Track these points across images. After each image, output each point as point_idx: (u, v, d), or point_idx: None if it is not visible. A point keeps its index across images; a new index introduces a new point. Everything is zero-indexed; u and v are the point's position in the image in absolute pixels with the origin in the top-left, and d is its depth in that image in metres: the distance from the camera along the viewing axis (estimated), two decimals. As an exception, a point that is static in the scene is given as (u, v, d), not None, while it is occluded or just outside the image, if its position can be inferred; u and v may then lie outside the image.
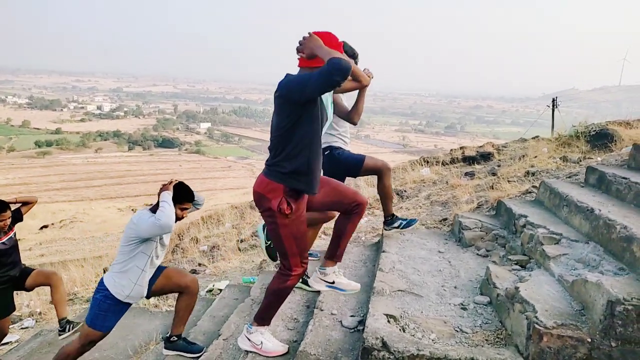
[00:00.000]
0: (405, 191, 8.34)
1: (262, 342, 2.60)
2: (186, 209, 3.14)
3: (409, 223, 3.91)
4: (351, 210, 2.66)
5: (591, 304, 2.21)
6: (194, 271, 6.56)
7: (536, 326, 2.14)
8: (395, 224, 3.88)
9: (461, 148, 10.02)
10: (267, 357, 2.55)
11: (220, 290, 4.89)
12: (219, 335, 3.07)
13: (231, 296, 4.03)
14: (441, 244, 3.82)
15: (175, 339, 3.25)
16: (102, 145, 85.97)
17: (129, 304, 3.16)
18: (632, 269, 2.39)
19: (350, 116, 3.37)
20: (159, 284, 3.22)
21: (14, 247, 3.91)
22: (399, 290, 2.91)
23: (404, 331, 2.45)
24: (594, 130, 7.74)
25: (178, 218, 3.08)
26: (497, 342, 2.38)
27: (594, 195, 3.36)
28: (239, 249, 6.90)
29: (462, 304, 2.76)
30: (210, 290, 5.33)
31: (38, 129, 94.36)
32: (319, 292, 3.17)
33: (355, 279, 3.36)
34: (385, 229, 3.87)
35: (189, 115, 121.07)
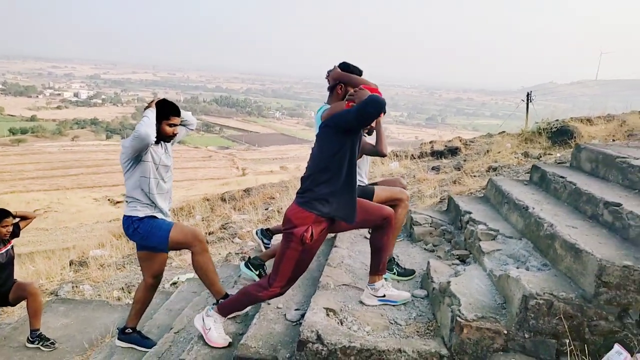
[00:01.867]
0: (373, 185, 8.44)
1: (210, 328, 2.69)
2: (174, 124, 3.07)
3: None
4: (380, 224, 2.76)
5: (511, 298, 2.37)
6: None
7: (458, 319, 2.29)
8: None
9: (430, 142, 10.22)
10: (209, 345, 2.65)
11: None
12: (171, 329, 3.16)
13: (190, 289, 4.12)
14: (393, 238, 3.95)
15: (130, 331, 3.32)
16: (79, 133, 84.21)
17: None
18: (554, 264, 2.56)
19: (378, 149, 3.38)
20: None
21: (10, 262, 3.80)
22: (343, 285, 3.04)
23: (341, 324, 2.58)
24: (555, 127, 7.98)
25: (168, 135, 3.06)
26: (427, 333, 2.53)
27: (534, 194, 3.53)
28: (207, 242, 6.97)
29: (400, 298, 2.89)
30: (174, 283, 5.40)
31: (12, 115, 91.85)
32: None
33: (306, 273, 3.48)
34: None
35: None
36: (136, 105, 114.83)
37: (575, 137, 7.62)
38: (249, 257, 3.59)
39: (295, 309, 2.90)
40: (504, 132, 10.05)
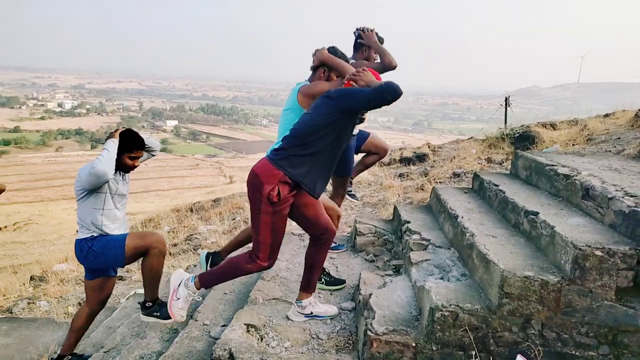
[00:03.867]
0: (340, 193, 8.46)
1: (179, 299, 2.65)
2: (136, 157, 3.00)
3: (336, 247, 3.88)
4: (319, 237, 2.71)
5: (423, 309, 2.37)
6: (120, 278, 6.54)
7: (369, 332, 2.28)
8: None
9: (400, 149, 10.27)
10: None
11: (141, 296, 4.89)
12: (102, 348, 3.11)
13: (133, 305, 4.06)
14: (337, 249, 3.95)
15: (70, 357, 3.19)
16: (63, 144, 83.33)
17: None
18: (472, 275, 2.57)
19: (386, 63, 3.49)
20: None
21: None
22: (273, 299, 3.03)
23: (261, 340, 2.56)
24: (517, 132, 8.08)
25: (129, 167, 3.00)
26: (345, 347, 2.52)
27: (470, 202, 3.55)
28: (170, 254, 6.90)
29: (329, 310, 2.88)
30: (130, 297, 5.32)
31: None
32: (203, 299, 3.22)
33: (244, 287, 3.47)
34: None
35: (155, 112, 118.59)
36: (121, 114, 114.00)
37: (536, 142, 7.73)
38: (214, 252, 3.42)
39: (222, 325, 2.86)
40: (471, 137, 10.14)
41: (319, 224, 2.69)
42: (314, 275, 2.82)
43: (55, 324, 4.30)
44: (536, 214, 2.63)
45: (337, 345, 2.53)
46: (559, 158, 3.57)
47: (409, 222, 3.63)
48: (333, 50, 2.98)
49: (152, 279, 3.05)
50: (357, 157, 3.89)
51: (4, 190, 4.04)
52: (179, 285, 2.69)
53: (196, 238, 7.44)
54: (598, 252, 2.04)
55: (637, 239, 2.12)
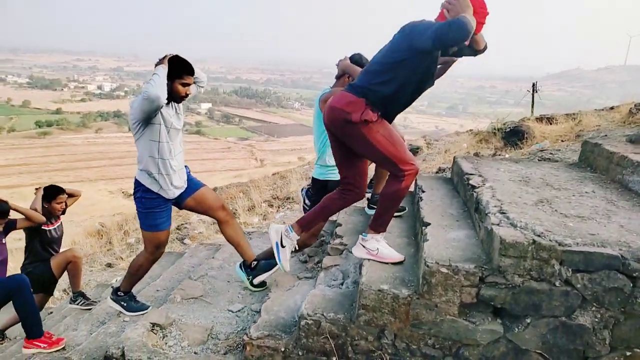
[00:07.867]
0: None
1: (377, 249, 2.56)
2: (188, 84, 2.88)
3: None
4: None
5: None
6: (108, 265, 6.93)
7: (245, 337, 2.46)
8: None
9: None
10: (384, 262, 2.53)
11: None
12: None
13: (94, 296, 4.36)
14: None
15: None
16: (102, 125, 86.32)
17: (171, 200, 3.02)
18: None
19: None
20: (192, 202, 3.15)
21: (61, 236, 4.10)
22: (191, 298, 3.22)
23: (163, 339, 2.77)
24: (509, 127, 7.94)
25: (181, 96, 2.88)
26: (237, 348, 2.69)
27: (398, 207, 3.62)
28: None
29: (239, 311, 3.06)
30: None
31: (38, 108, 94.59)
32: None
33: (178, 284, 3.68)
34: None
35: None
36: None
37: (527, 137, 7.58)
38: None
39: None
40: (470, 130, 10.01)
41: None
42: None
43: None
44: (427, 225, 2.70)
45: (229, 346, 2.70)
46: (485, 165, 3.58)
47: (340, 224, 3.74)
48: (359, 57, 3.08)
49: (132, 272, 3.18)
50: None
51: (79, 196, 4.36)
52: (364, 247, 2.59)
53: (185, 228, 7.75)
54: (444, 270, 2.12)
55: (489, 257, 2.19)
